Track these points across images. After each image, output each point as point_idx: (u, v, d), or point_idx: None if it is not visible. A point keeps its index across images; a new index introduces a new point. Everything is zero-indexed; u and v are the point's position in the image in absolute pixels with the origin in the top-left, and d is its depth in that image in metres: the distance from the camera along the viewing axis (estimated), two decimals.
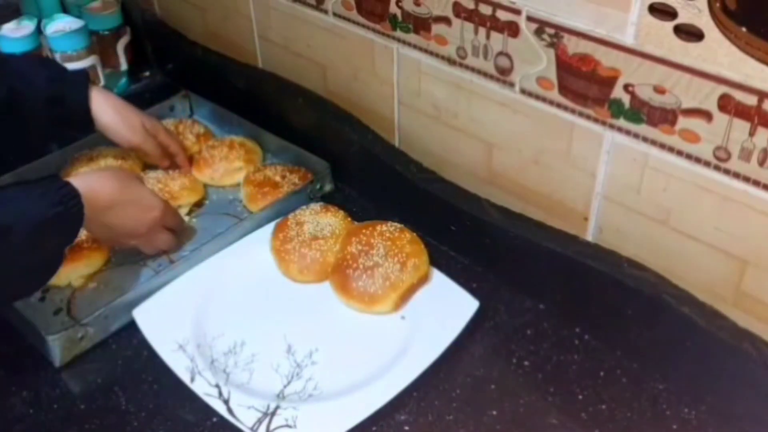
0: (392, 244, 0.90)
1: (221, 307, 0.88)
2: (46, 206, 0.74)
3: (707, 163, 0.68)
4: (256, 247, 0.95)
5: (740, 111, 0.63)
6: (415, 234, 0.93)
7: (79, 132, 1.06)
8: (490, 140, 0.87)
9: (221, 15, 1.20)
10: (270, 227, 0.96)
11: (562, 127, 0.78)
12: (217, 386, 0.78)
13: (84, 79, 0.99)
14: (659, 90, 0.68)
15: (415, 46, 0.89)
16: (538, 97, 0.79)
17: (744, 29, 0.59)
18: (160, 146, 1.06)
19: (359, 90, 1.01)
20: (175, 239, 0.96)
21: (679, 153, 0.69)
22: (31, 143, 1.05)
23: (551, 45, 0.74)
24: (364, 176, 1.05)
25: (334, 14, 0.98)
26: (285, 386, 0.79)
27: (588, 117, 0.75)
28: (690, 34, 0.63)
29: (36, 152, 1.08)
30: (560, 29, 0.72)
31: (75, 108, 0.97)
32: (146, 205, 0.90)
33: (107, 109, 0.98)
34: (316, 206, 0.98)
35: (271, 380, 0.80)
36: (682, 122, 0.67)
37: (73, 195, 0.77)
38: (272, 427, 0.74)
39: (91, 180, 0.83)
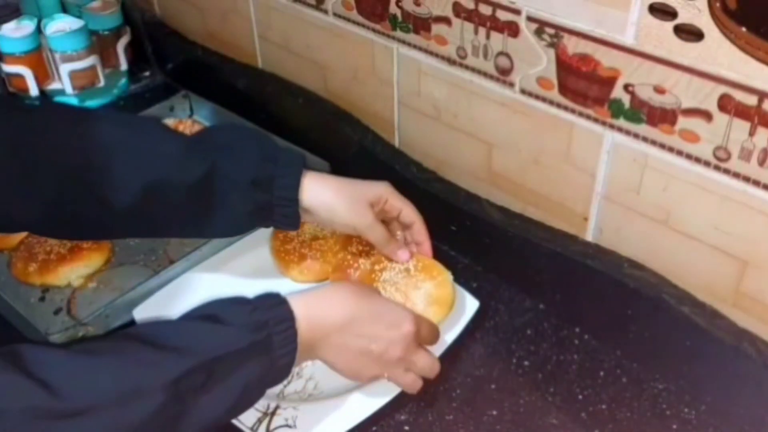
0: None
1: None
2: (240, 334, 0.62)
3: (707, 163, 0.68)
4: (256, 247, 0.95)
5: (740, 111, 0.63)
6: None
7: (279, 223, 0.82)
8: (490, 140, 0.87)
9: (221, 15, 1.20)
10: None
11: (562, 127, 0.78)
12: None
13: (299, 159, 0.81)
14: (659, 90, 0.68)
15: (415, 46, 0.89)
16: (538, 97, 0.79)
17: (744, 29, 0.59)
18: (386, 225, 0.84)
19: (359, 90, 1.01)
20: (436, 359, 0.75)
21: (679, 153, 0.69)
22: (225, 231, 0.84)
23: (551, 45, 0.74)
24: (364, 176, 1.05)
25: (334, 14, 0.98)
26: (285, 386, 0.79)
27: (588, 117, 0.75)
28: (690, 34, 0.63)
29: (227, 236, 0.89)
30: (560, 29, 0.72)
31: (282, 193, 0.78)
32: (395, 319, 0.71)
33: (321, 189, 0.80)
34: None
35: None
36: (682, 122, 0.67)
37: (285, 317, 0.65)
38: (272, 426, 0.74)
39: (317, 298, 0.69)
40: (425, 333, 0.74)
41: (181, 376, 0.57)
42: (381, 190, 0.83)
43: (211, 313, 0.64)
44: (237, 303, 0.67)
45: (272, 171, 0.78)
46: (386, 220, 0.86)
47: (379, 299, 0.74)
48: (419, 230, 0.85)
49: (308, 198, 0.79)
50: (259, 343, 0.63)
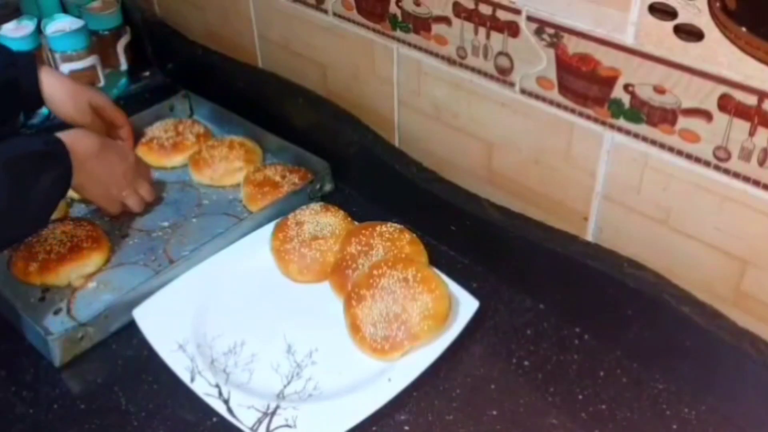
0: (392, 244, 0.90)
1: (221, 306, 0.88)
2: (32, 144, 0.84)
3: (707, 163, 0.68)
4: (256, 247, 0.95)
5: (740, 111, 0.63)
6: (414, 235, 0.93)
7: (31, 113, 1.16)
8: (490, 140, 0.87)
9: (221, 15, 1.20)
10: (270, 227, 0.96)
11: (562, 127, 0.78)
12: (217, 386, 0.78)
13: (33, 61, 1.01)
14: (659, 90, 0.68)
15: (415, 46, 0.89)
16: (538, 97, 0.79)
17: (744, 29, 0.59)
18: (105, 122, 1.08)
19: (359, 90, 1.01)
20: (153, 188, 1.04)
21: (679, 153, 0.69)
22: None
23: (551, 45, 0.74)
24: (364, 176, 1.05)
25: (334, 14, 0.98)
26: (285, 386, 0.79)
27: (588, 117, 0.75)
28: (690, 33, 0.63)
29: None
30: (560, 29, 0.72)
31: (27, 91, 0.99)
32: (123, 152, 0.99)
33: (57, 91, 1.01)
34: (316, 206, 0.98)
35: (271, 380, 0.80)
36: (682, 122, 0.67)
37: (57, 140, 0.86)
38: (272, 426, 0.74)
39: (72, 133, 0.90)
40: (143, 165, 1.05)
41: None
42: (102, 101, 1.07)
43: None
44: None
45: (15, 73, 0.97)
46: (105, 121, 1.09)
47: (110, 139, 1.02)
48: (126, 132, 1.11)
49: (45, 90, 1.00)
50: (49, 153, 0.85)
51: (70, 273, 0.92)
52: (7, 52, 1.03)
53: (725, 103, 0.63)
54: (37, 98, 1.01)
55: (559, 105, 0.77)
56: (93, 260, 0.94)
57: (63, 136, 0.88)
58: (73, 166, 0.87)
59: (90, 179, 0.93)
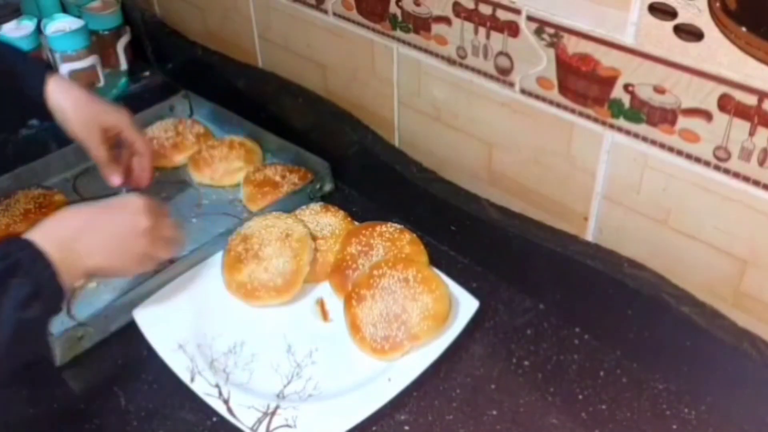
0: (392, 245, 0.90)
1: (221, 306, 0.88)
2: None
3: (707, 163, 0.68)
4: None
5: (740, 111, 0.63)
6: (414, 235, 0.93)
7: (36, 115, 1.01)
8: (490, 140, 0.87)
9: (221, 15, 1.20)
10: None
11: (562, 127, 0.78)
12: (217, 386, 0.78)
13: (42, 67, 0.94)
14: (659, 90, 0.68)
15: (415, 46, 0.89)
16: (538, 97, 0.79)
17: (744, 29, 0.59)
18: (112, 150, 0.93)
19: (359, 90, 1.01)
20: (177, 235, 0.85)
21: (679, 153, 0.69)
22: None
23: (551, 45, 0.74)
24: (364, 176, 1.05)
25: (334, 14, 0.98)
26: (285, 386, 0.79)
27: (588, 117, 0.75)
28: (690, 33, 0.63)
29: None
30: (560, 29, 0.72)
31: (32, 99, 0.90)
32: (121, 201, 0.79)
33: (62, 102, 0.90)
34: (316, 206, 0.98)
35: (271, 380, 0.80)
36: (682, 122, 0.67)
37: (24, 245, 0.67)
38: (272, 426, 0.74)
39: (45, 224, 0.71)
40: (151, 203, 0.80)
41: None
42: (116, 120, 0.92)
43: None
44: None
45: (20, 82, 0.89)
46: (124, 146, 0.95)
47: (100, 201, 0.80)
48: (145, 161, 0.96)
49: (50, 103, 0.89)
50: (8, 267, 0.65)
51: None
52: (15, 54, 0.96)
53: (725, 103, 0.63)
54: (42, 108, 0.90)
55: (559, 105, 0.77)
56: None
57: (32, 233, 0.68)
58: (56, 268, 0.67)
59: (95, 261, 0.73)
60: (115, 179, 0.94)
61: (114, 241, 0.75)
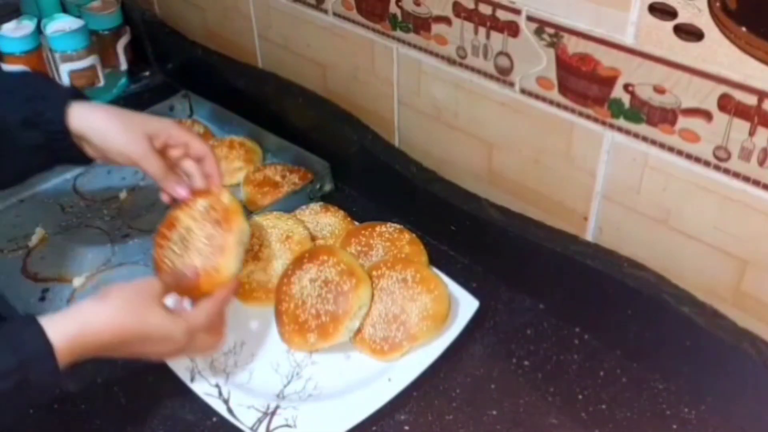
0: (391, 245, 0.90)
1: None
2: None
3: (707, 163, 0.68)
4: None
5: (740, 111, 0.63)
6: (414, 235, 0.93)
7: (66, 160, 0.81)
8: (490, 140, 0.87)
9: (221, 15, 1.20)
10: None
11: (562, 127, 0.78)
12: (217, 386, 0.78)
13: (66, 91, 0.80)
14: (659, 90, 0.68)
15: (415, 46, 0.89)
16: (538, 97, 0.79)
17: (744, 29, 0.59)
18: (166, 159, 0.80)
19: (359, 90, 1.01)
20: (220, 333, 0.77)
21: (679, 153, 0.69)
22: (13, 176, 0.82)
23: (551, 45, 0.74)
24: (364, 176, 1.05)
25: (334, 14, 0.98)
26: (285, 386, 0.79)
27: (588, 117, 0.75)
28: (690, 33, 0.63)
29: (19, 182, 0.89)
30: (560, 29, 0.72)
31: (50, 127, 0.76)
32: (165, 334, 0.70)
33: (91, 116, 0.77)
34: (316, 206, 0.98)
35: (271, 380, 0.80)
36: (682, 122, 0.67)
37: (37, 333, 0.61)
38: (272, 426, 0.74)
39: (72, 324, 0.64)
40: (206, 323, 0.73)
41: None
42: (161, 124, 0.80)
43: None
44: None
45: (41, 107, 0.75)
46: (176, 157, 0.81)
47: (150, 315, 0.69)
48: (209, 163, 0.81)
49: (77, 125, 0.76)
50: (18, 384, 0.61)
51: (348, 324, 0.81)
52: (43, 84, 0.82)
53: (725, 103, 0.63)
54: (64, 139, 0.76)
55: (559, 105, 0.77)
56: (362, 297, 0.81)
57: (57, 324, 0.62)
58: (58, 364, 0.62)
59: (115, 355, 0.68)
60: (182, 190, 0.79)
61: (142, 357, 0.71)
